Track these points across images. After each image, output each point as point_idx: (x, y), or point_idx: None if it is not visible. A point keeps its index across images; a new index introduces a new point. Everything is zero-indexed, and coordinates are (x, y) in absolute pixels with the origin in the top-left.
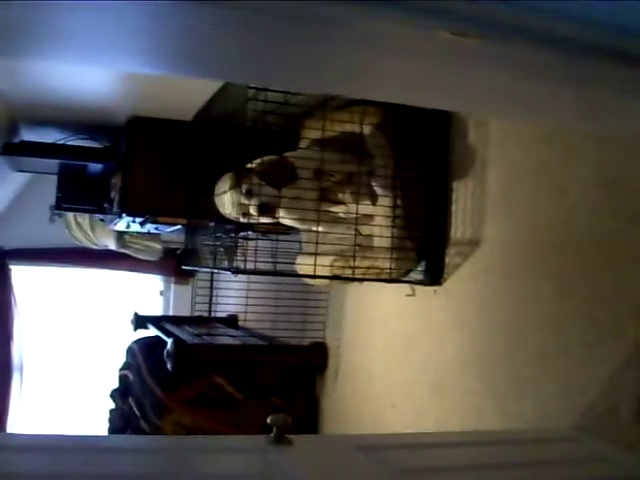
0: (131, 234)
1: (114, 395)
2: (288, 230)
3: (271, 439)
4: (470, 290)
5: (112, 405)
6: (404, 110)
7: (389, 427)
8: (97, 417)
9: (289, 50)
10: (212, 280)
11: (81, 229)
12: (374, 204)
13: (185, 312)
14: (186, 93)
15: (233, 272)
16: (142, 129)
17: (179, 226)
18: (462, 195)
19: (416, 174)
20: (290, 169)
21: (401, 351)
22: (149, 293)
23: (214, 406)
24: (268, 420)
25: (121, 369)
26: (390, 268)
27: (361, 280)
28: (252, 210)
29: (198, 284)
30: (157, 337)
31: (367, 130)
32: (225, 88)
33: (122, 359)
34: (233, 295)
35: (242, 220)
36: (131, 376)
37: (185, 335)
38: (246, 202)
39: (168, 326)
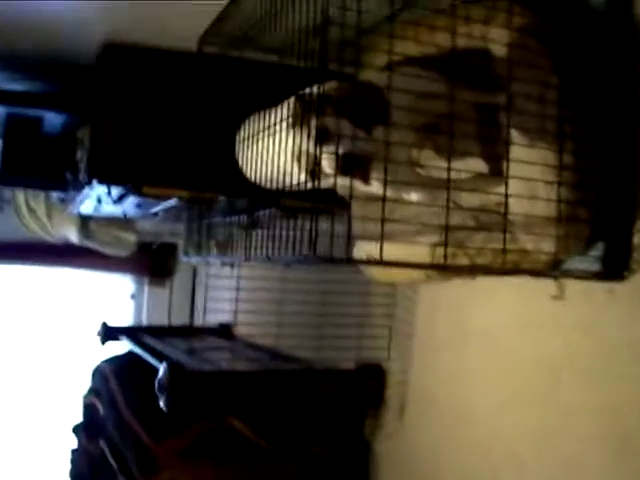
0: (98, 221)
1: (78, 430)
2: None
3: None
4: None
5: (75, 443)
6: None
7: None
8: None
9: None
10: (194, 279)
11: (35, 216)
12: (494, 163)
13: (161, 320)
14: (184, 13)
15: (308, 260)
16: (121, 61)
17: (174, 201)
18: None
19: (587, 104)
20: (381, 98)
21: (535, 385)
22: (118, 297)
23: (227, 459)
24: None
25: (86, 396)
26: (554, 251)
27: (484, 271)
28: (327, 165)
29: (178, 285)
30: (133, 355)
31: (504, 38)
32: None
33: (88, 382)
34: (226, 297)
35: (306, 182)
36: (101, 408)
37: (177, 354)
38: (321, 151)
39: (147, 340)
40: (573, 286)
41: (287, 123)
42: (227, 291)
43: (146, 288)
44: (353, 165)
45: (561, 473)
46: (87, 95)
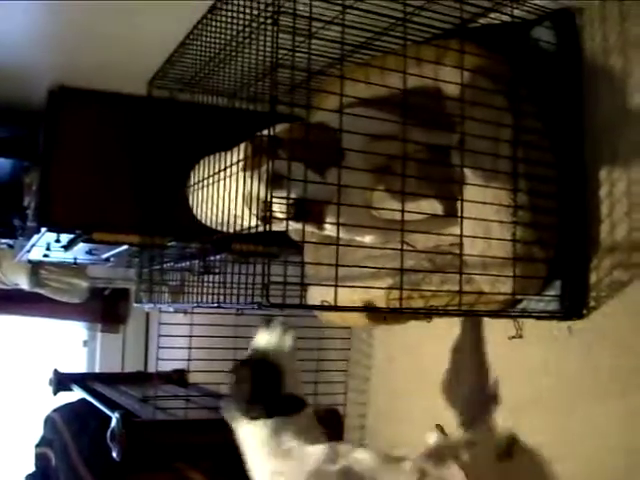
0: (49, 267)
1: None
2: (282, 251)
3: None
4: None
5: None
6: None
7: None
8: None
9: None
10: (148, 325)
11: None
12: (447, 204)
13: (114, 366)
14: (134, 55)
15: (261, 306)
16: (71, 104)
17: (124, 247)
18: (623, 173)
19: (544, 142)
20: (334, 138)
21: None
22: (70, 344)
23: None
24: None
25: (38, 445)
26: (510, 291)
27: (440, 313)
28: (279, 209)
29: (131, 331)
30: (85, 402)
31: (456, 77)
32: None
33: (39, 432)
34: (179, 343)
35: (258, 227)
36: (53, 458)
37: (130, 403)
38: (275, 196)
39: (100, 388)
40: (531, 325)
41: (239, 167)
42: (181, 337)
43: (99, 334)
44: (306, 210)
45: None
46: (36, 140)
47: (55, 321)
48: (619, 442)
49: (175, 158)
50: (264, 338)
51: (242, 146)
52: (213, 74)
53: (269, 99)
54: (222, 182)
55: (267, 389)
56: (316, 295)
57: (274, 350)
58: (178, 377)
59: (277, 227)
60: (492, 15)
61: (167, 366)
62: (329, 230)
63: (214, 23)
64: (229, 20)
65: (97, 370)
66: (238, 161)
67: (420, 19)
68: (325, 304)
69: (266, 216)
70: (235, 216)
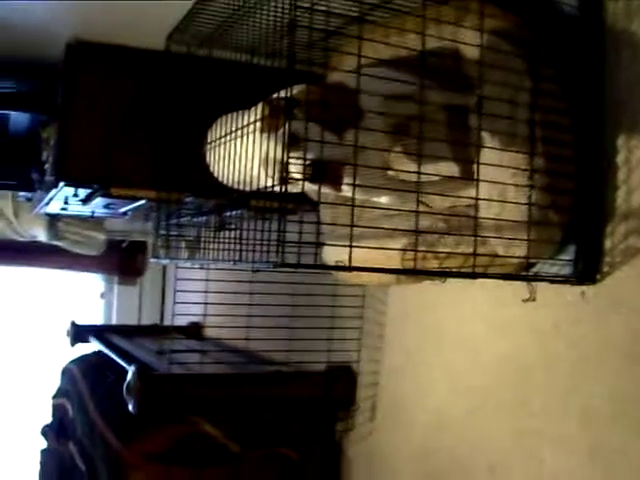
0: (67, 220)
1: (46, 432)
2: (299, 207)
3: None
4: None
5: (45, 444)
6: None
7: None
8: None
9: None
10: (165, 278)
11: (2, 216)
12: (464, 166)
13: (131, 318)
14: (153, 9)
15: (275, 266)
16: (89, 59)
17: (142, 202)
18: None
19: (562, 105)
20: (352, 99)
21: (507, 388)
22: (88, 296)
23: (198, 463)
24: None
25: (55, 396)
26: (524, 254)
27: (454, 275)
28: (296, 171)
29: (148, 283)
30: (102, 354)
31: (475, 39)
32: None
33: (56, 383)
34: (195, 298)
35: (275, 188)
36: (70, 410)
37: (146, 356)
38: (292, 157)
39: (117, 340)
40: (545, 289)
41: (256, 127)
42: (196, 291)
43: (116, 287)
44: (323, 172)
45: (531, 477)
46: (53, 94)
47: (72, 273)
48: (630, 407)
49: (193, 113)
50: None
51: (259, 107)
52: (232, 30)
53: (287, 58)
54: (239, 143)
55: None
56: (331, 254)
57: None
58: (194, 330)
59: (294, 188)
60: None
61: (183, 320)
62: (346, 191)
63: None
64: None
65: (114, 322)
66: (255, 121)
67: None
68: (340, 264)
69: (283, 177)
70: (251, 176)
